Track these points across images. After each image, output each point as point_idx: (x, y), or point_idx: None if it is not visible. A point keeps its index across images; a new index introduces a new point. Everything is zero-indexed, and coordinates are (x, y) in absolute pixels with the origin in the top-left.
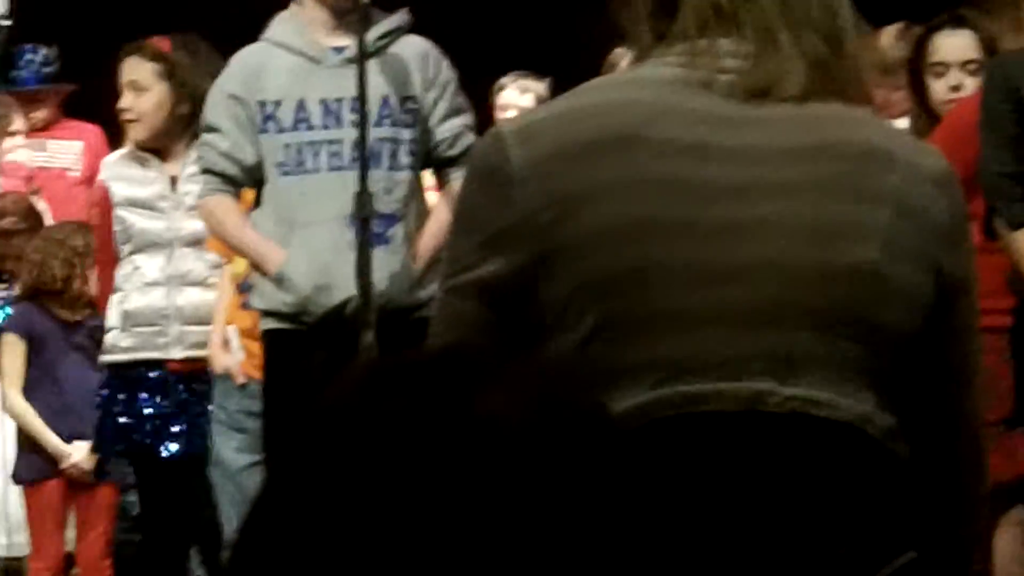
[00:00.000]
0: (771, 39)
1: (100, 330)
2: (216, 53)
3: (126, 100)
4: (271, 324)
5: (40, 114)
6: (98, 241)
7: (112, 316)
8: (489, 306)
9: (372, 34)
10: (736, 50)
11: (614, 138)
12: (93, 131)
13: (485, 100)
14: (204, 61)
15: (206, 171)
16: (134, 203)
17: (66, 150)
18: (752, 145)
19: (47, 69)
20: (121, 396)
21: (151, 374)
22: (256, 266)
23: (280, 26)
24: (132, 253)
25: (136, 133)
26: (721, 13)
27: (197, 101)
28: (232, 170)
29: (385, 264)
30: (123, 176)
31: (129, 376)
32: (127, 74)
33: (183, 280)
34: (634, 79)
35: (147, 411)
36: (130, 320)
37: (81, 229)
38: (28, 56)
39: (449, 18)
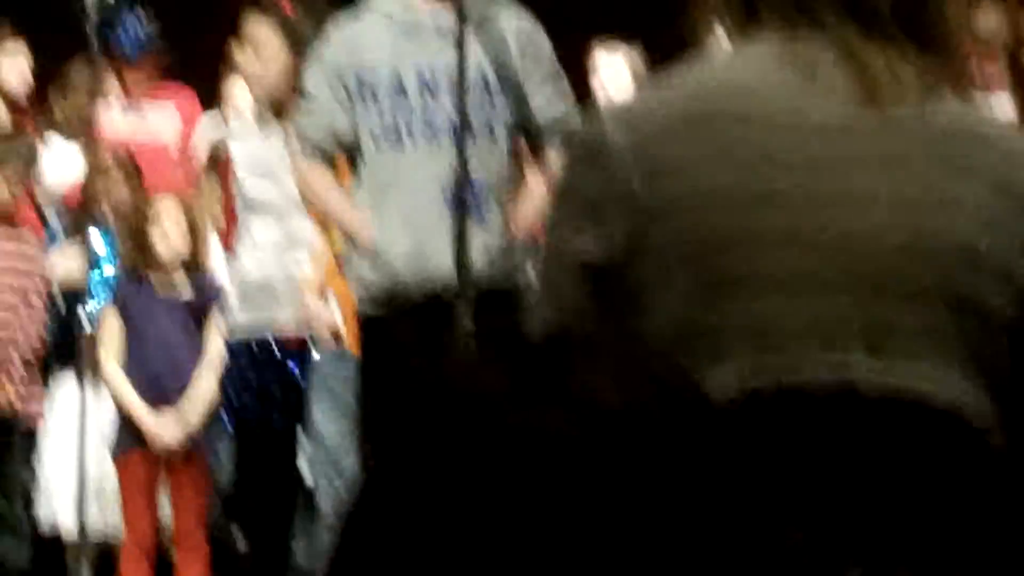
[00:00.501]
0: (865, 34)
1: (198, 296)
2: (337, 13)
3: (246, 58)
4: (366, 308)
5: (138, 80)
6: (223, 201)
7: (229, 284)
8: (588, 278)
9: (471, 5)
10: (827, 42)
11: (709, 116)
12: (187, 95)
13: (579, 67)
14: (324, 21)
15: (301, 139)
16: (250, 164)
17: (161, 115)
18: (847, 120)
19: (144, 35)
20: (234, 370)
21: (259, 348)
22: (348, 238)
23: None
24: (245, 213)
25: (256, 91)
26: (809, 14)
27: None
28: (327, 139)
29: (482, 241)
30: (243, 136)
31: (241, 349)
32: (248, 32)
33: (295, 244)
34: (730, 60)
35: (256, 383)
36: (245, 290)
37: (177, 198)
38: (126, 22)
39: None
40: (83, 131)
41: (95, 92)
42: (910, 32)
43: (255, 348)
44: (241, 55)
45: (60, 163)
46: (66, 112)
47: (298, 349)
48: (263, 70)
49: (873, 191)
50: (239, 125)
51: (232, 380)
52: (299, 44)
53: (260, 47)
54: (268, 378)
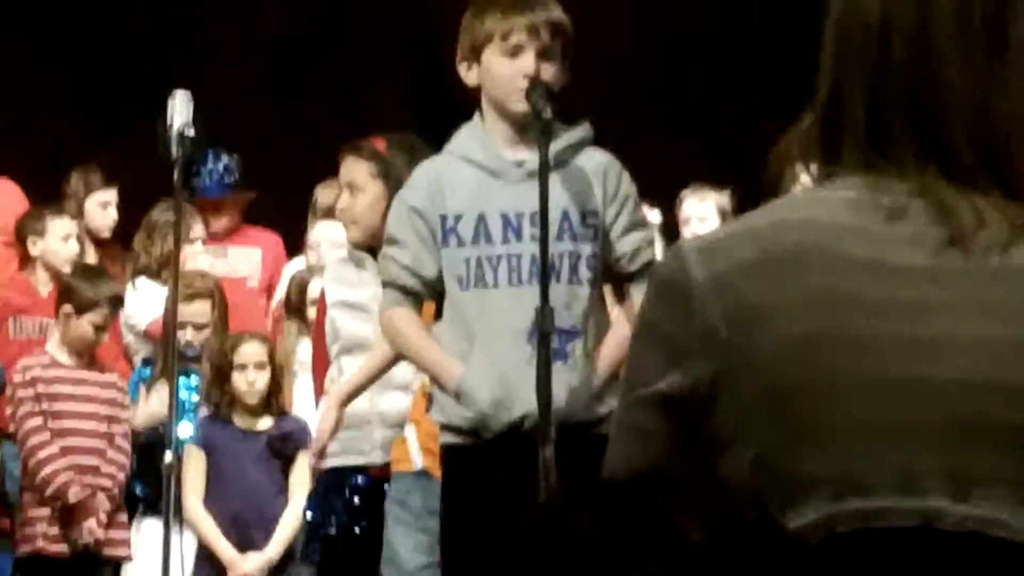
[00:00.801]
0: (949, 179)
1: (280, 439)
2: (432, 152)
3: (343, 200)
4: (449, 439)
5: (221, 222)
6: (316, 342)
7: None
8: (669, 419)
9: (554, 148)
10: (910, 186)
11: (791, 255)
12: (272, 239)
13: (669, 212)
14: (420, 160)
15: (387, 284)
16: (346, 304)
17: (246, 258)
18: (931, 265)
19: (229, 177)
20: (323, 504)
21: (352, 480)
22: (435, 380)
23: (463, 139)
24: (339, 355)
25: (352, 234)
26: (892, 158)
27: None
28: (413, 283)
29: (564, 379)
30: (338, 277)
31: (332, 482)
32: (344, 174)
33: (387, 384)
34: (812, 199)
35: (344, 517)
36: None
37: (260, 338)
38: (210, 164)
39: (631, 130)
40: (168, 272)
41: (179, 234)
42: (994, 178)
43: (342, 477)
44: (339, 197)
45: (146, 305)
46: (151, 254)
47: (384, 478)
48: (361, 211)
49: (958, 336)
50: (333, 265)
51: (318, 507)
52: (395, 184)
53: (357, 188)
54: (353, 507)
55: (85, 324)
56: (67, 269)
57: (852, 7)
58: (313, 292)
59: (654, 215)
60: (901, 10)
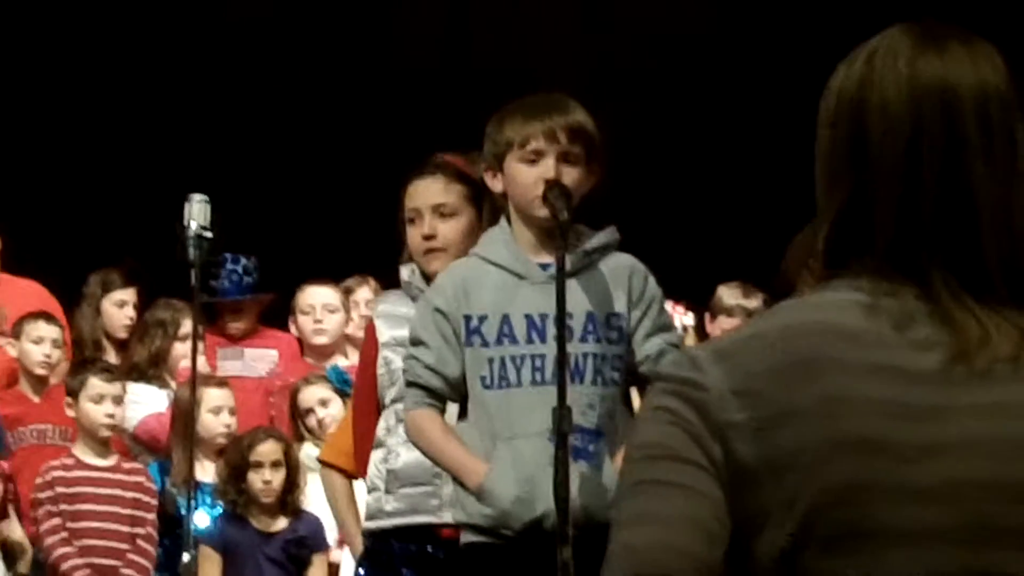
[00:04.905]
0: (968, 292)
1: (296, 544)
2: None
3: (425, 226)
4: (470, 537)
5: (239, 324)
6: (360, 388)
7: (374, 477)
8: (720, 486)
9: (579, 251)
10: (918, 294)
11: (806, 360)
12: (288, 340)
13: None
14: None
15: (411, 384)
16: (402, 343)
17: (261, 359)
18: (941, 369)
19: (248, 279)
20: (382, 559)
21: (414, 547)
22: (456, 479)
23: (490, 242)
24: (397, 400)
25: (435, 265)
26: (906, 265)
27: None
28: (437, 384)
29: (587, 479)
30: (393, 314)
31: (391, 549)
32: (431, 197)
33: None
34: (819, 302)
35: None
36: (398, 481)
37: (277, 436)
38: (229, 266)
39: (658, 234)
40: (156, 371)
41: (196, 334)
42: (1013, 285)
43: (406, 538)
44: (424, 223)
45: (134, 407)
46: (141, 354)
47: (451, 539)
48: (455, 237)
49: (978, 437)
50: (385, 302)
51: (377, 570)
52: (490, 212)
53: (449, 213)
54: (418, 569)
55: (93, 409)
56: (39, 371)
57: (875, 119)
58: (305, 400)
59: (688, 318)
60: (931, 120)
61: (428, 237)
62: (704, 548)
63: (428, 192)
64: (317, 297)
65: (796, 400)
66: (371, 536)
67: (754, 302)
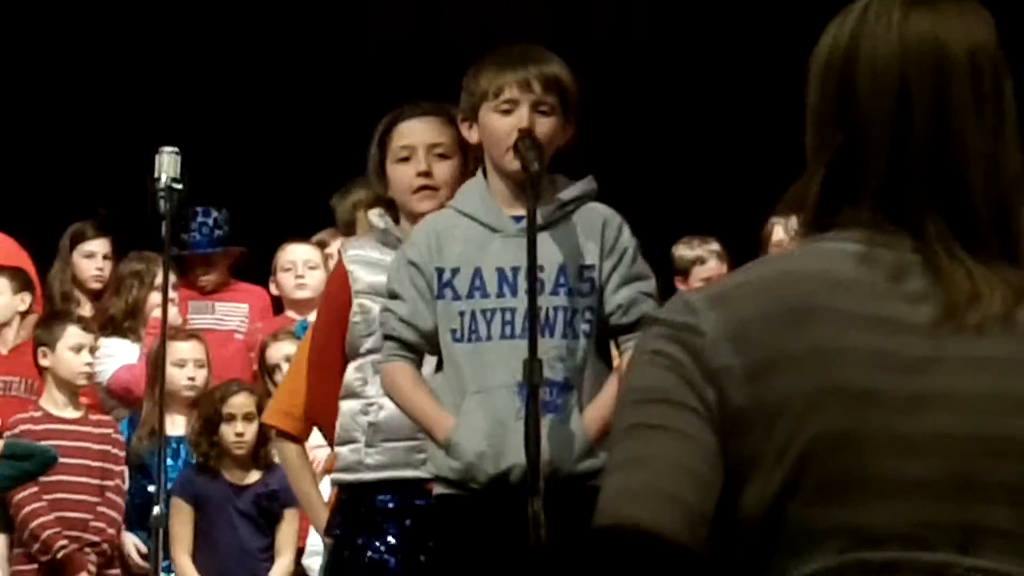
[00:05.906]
0: (960, 244)
1: (267, 497)
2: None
3: (427, 162)
4: (440, 489)
5: (210, 277)
6: (323, 342)
7: (349, 429)
8: (712, 431)
9: (551, 202)
10: (912, 246)
11: (801, 307)
12: (259, 294)
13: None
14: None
15: (386, 337)
16: (380, 291)
17: (233, 312)
18: (932, 323)
19: (218, 232)
20: (360, 535)
21: (394, 503)
22: (427, 432)
23: (466, 194)
24: (374, 351)
25: (426, 205)
26: (898, 212)
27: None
28: (412, 336)
29: (556, 432)
30: (366, 260)
31: (370, 502)
32: (428, 136)
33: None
34: (816, 250)
35: (395, 543)
36: (380, 434)
37: (248, 389)
38: (200, 219)
39: (637, 182)
40: (132, 322)
41: (167, 286)
42: (1003, 237)
43: (388, 491)
44: (420, 160)
45: (107, 360)
46: (117, 305)
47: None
48: (448, 178)
49: (965, 390)
50: (355, 247)
51: (360, 526)
52: (475, 156)
53: (445, 155)
54: (407, 531)
55: (72, 358)
56: None
57: (866, 72)
58: (272, 356)
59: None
60: (922, 75)
61: (424, 173)
62: (694, 495)
63: (425, 131)
64: (299, 254)
65: (788, 347)
66: (349, 488)
67: (714, 245)
